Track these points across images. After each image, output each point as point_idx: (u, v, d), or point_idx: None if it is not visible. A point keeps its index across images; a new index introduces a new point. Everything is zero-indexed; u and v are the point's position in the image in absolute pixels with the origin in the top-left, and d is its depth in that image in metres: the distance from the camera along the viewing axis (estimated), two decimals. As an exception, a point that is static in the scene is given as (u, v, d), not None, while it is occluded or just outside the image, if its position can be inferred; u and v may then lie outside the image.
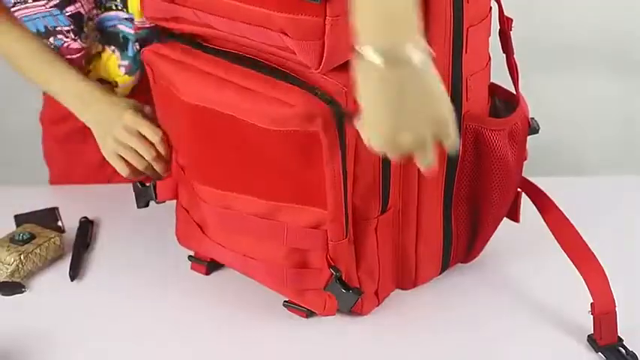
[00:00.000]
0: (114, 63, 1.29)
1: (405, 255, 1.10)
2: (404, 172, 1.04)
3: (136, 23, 1.24)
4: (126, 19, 1.25)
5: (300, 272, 1.03)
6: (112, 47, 1.29)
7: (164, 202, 1.18)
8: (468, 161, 1.05)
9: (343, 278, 1.02)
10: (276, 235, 1.02)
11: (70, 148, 1.41)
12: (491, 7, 1.04)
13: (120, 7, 1.25)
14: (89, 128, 1.26)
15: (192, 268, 1.18)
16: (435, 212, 1.08)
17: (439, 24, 0.97)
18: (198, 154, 1.08)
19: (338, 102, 0.92)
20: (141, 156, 1.19)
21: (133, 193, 1.18)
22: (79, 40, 1.25)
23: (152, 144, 1.19)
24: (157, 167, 1.19)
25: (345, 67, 0.92)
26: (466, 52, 1.00)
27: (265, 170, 1.00)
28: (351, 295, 1.02)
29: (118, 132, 1.20)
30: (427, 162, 0.88)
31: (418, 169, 1.04)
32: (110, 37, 1.28)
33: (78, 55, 1.26)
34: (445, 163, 1.04)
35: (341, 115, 0.92)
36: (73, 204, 1.33)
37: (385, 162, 1.00)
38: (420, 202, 1.06)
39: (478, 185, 1.07)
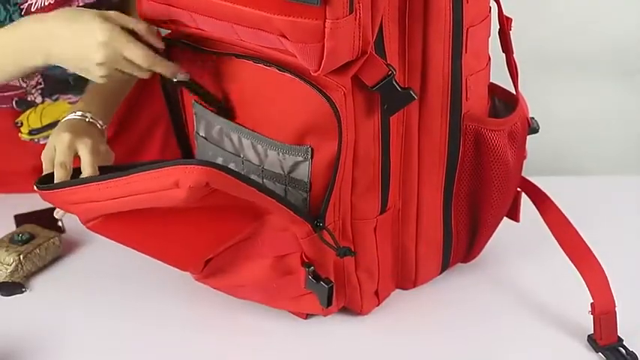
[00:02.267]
0: (59, 108, 1.26)
1: (404, 255, 1.10)
2: (404, 171, 1.04)
3: None
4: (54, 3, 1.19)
5: (288, 280, 1.03)
6: (56, 96, 1.25)
7: None
8: (467, 161, 1.05)
9: (318, 272, 1.01)
10: (255, 250, 1.03)
11: None
12: (490, 7, 1.04)
13: None
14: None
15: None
16: (434, 212, 1.08)
17: (439, 24, 0.97)
18: (146, 249, 1.06)
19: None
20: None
21: None
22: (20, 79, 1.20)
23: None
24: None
25: (344, 67, 0.91)
26: (466, 52, 1.00)
27: (210, 225, 0.99)
28: (322, 287, 1.01)
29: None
30: None
31: (418, 169, 1.05)
32: (55, 87, 1.24)
33: (11, 92, 1.22)
34: (445, 163, 1.04)
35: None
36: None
37: (384, 162, 1.00)
38: (419, 202, 1.07)
39: (478, 185, 1.07)
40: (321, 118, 0.94)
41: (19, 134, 1.29)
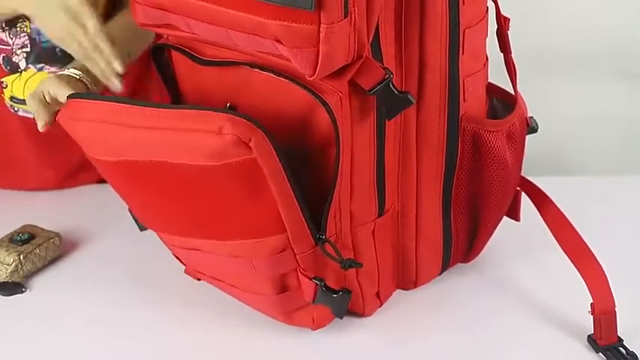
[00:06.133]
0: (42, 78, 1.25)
1: (405, 256, 1.10)
2: (402, 173, 1.04)
3: None
4: None
5: (284, 296, 1.02)
6: (41, 65, 1.26)
7: None
8: (466, 162, 1.05)
9: (329, 284, 1.00)
10: (247, 270, 1.01)
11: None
12: (487, 8, 1.04)
13: None
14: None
15: (185, 272, 1.16)
16: (434, 213, 1.07)
17: (435, 26, 0.97)
18: (142, 205, 1.05)
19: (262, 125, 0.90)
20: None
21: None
22: (5, 33, 1.23)
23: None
24: (99, 60, 1.10)
25: (340, 72, 0.91)
26: (463, 53, 1.00)
27: (213, 211, 0.97)
28: (342, 297, 1.00)
29: (60, 18, 1.11)
30: None
31: (417, 170, 1.04)
32: (41, 55, 1.25)
33: None
34: (443, 164, 1.04)
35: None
36: (74, 203, 1.34)
37: (379, 165, 1.00)
38: (419, 204, 1.06)
39: (477, 186, 1.07)
40: (319, 123, 0.93)
41: (2, 94, 1.30)
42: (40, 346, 1.07)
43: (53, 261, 1.21)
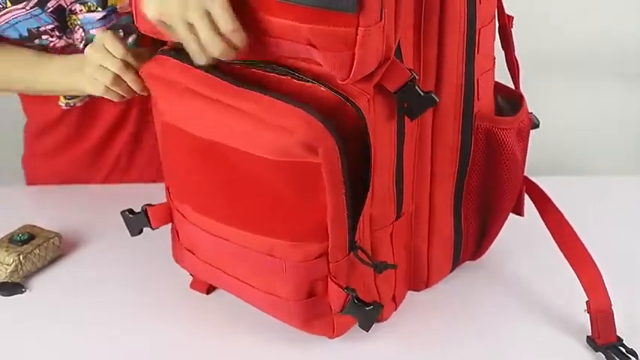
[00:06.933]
0: None
1: (417, 257, 1.09)
2: (417, 174, 1.03)
3: (118, 10, 1.23)
4: (101, 18, 1.23)
5: (309, 302, 0.99)
6: None
7: (159, 227, 1.11)
8: (478, 160, 1.05)
9: (360, 296, 0.98)
10: (276, 271, 0.98)
11: (50, 163, 1.41)
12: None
13: (94, 7, 1.23)
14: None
15: (191, 286, 1.15)
16: (446, 212, 1.07)
17: (455, 25, 0.96)
18: (188, 179, 1.02)
19: (336, 133, 0.88)
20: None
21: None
22: (64, 37, 1.23)
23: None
24: (127, 79, 1.09)
25: (369, 74, 0.89)
26: (478, 52, 0.99)
27: (259, 204, 0.95)
28: (373, 311, 0.97)
29: (87, 53, 1.12)
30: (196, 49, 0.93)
31: (431, 171, 1.04)
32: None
33: (67, 50, 1.25)
34: (457, 163, 1.04)
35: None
36: (74, 203, 1.34)
37: (398, 167, 0.99)
38: (431, 203, 1.06)
39: (488, 182, 1.07)
40: (341, 127, 0.91)
41: (58, 101, 1.31)
42: (40, 346, 1.07)
43: (53, 261, 1.21)
